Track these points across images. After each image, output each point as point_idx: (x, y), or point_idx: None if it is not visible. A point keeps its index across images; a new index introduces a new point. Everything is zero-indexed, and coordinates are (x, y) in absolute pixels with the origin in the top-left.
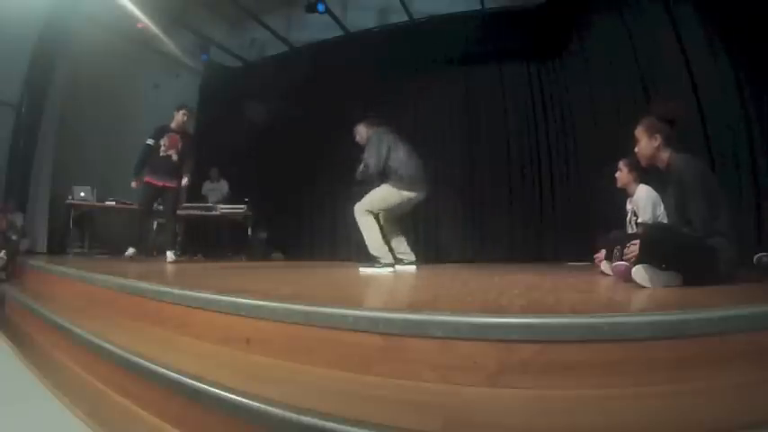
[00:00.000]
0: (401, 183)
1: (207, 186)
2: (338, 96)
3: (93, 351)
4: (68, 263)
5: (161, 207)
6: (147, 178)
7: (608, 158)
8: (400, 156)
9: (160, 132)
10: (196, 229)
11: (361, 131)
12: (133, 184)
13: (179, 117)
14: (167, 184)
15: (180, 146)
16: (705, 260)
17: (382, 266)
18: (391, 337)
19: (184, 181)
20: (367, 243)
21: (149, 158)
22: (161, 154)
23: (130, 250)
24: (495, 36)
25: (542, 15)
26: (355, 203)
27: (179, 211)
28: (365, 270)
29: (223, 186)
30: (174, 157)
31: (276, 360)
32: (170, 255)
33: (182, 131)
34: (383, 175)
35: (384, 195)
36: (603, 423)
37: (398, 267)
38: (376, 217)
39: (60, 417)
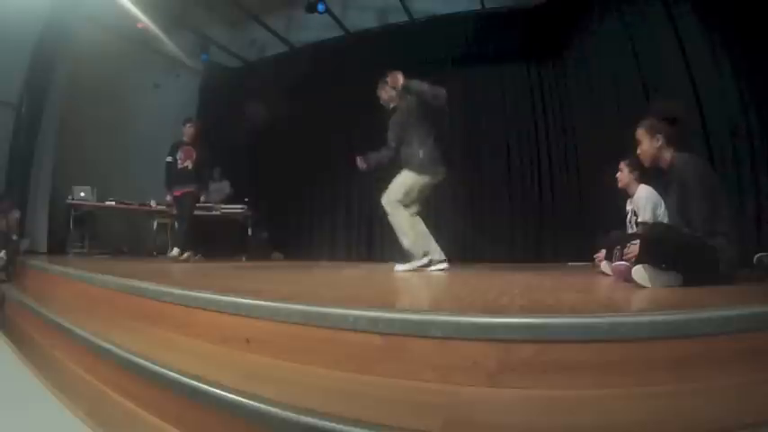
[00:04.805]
0: (422, 164)
1: (209, 186)
2: (338, 96)
3: (93, 351)
4: (69, 263)
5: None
6: (174, 191)
7: (608, 158)
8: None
9: (175, 148)
10: (196, 229)
11: (390, 93)
12: (168, 198)
13: (187, 130)
14: (186, 191)
15: (194, 156)
16: (705, 260)
17: (421, 263)
18: (391, 337)
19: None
20: (401, 238)
21: (172, 173)
22: (179, 167)
23: (197, 255)
24: (495, 36)
25: (542, 15)
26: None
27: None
28: (402, 268)
29: (225, 186)
30: (191, 167)
31: (276, 360)
32: (174, 251)
33: (193, 142)
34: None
35: (405, 180)
36: (603, 423)
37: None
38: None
39: (60, 417)
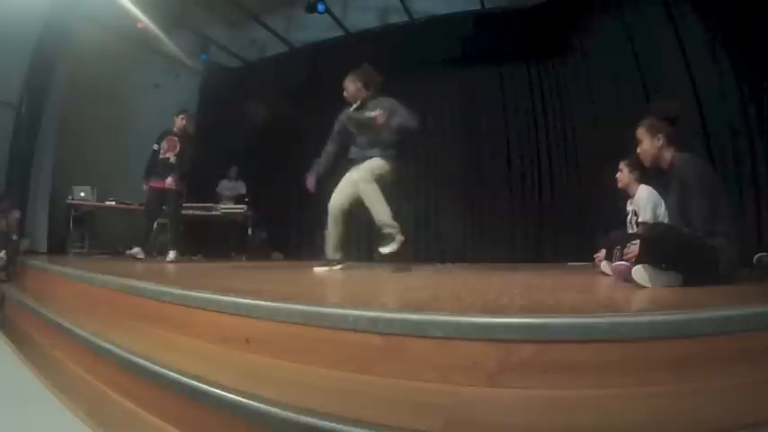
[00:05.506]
0: (392, 153)
1: (224, 185)
2: (338, 96)
3: (93, 351)
4: (68, 263)
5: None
6: (150, 181)
7: (608, 158)
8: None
9: (161, 136)
10: (196, 229)
11: (359, 88)
12: (144, 187)
13: (178, 121)
14: (167, 186)
15: (178, 148)
16: (705, 260)
17: (400, 240)
18: (391, 337)
19: (169, 181)
20: (378, 217)
21: (153, 162)
22: (160, 157)
23: (135, 249)
24: (495, 36)
25: (542, 15)
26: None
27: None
28: (386, 250)
29: (240, 187)
30: (173, 159)
31: (276, 360)
32: (171, 254)
33: (182, 134)
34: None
35: (378, 163)
36: (603, 423)
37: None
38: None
39: (60, 417)
